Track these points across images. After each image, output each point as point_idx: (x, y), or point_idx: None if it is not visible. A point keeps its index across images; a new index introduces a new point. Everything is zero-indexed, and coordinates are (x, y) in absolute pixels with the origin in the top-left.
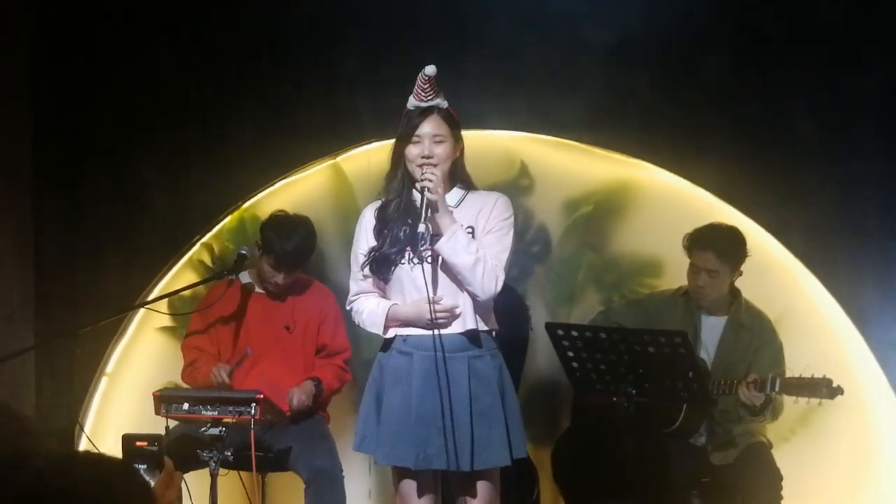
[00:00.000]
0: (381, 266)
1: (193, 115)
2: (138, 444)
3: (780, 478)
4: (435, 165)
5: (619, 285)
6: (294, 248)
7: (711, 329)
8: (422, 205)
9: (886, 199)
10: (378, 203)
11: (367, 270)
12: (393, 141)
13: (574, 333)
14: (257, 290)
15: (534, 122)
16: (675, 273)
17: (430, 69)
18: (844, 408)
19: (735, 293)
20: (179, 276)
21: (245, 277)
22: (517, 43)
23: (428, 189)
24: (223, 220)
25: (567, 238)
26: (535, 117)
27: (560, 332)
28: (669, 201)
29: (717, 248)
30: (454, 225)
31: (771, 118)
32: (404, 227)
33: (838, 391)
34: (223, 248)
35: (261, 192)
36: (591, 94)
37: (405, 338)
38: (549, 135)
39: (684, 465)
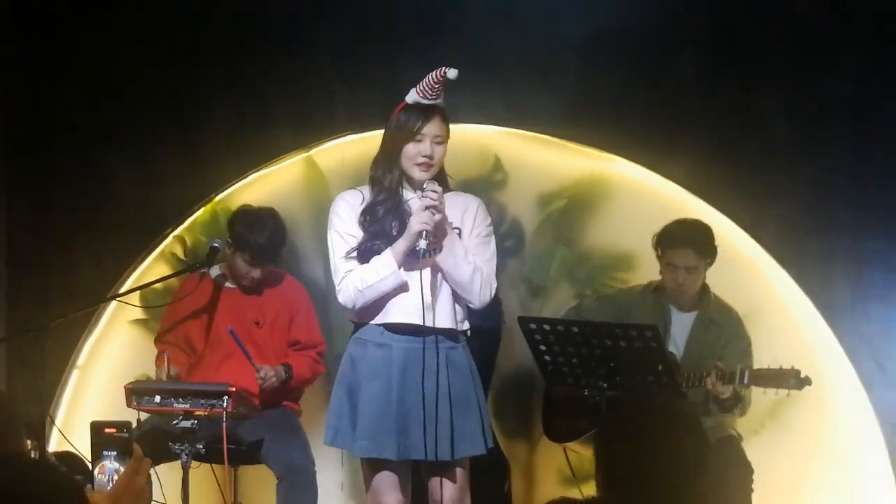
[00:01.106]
0: (369, 259)
1: (166, 107)
2: (107, 430)
3: (751, 471)
4: (431, 166)
5: (592, 279)
6: (268, 240)
7: (681, 324)
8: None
9: (858, 195)
10: (356, 194)
11: (353, 255)
12: (380, 133)
13: (546, 327)
14: (228, 284)
15: (508, 116)
16: (648, 268)
17: (453, 72)
18: (814, 401)
19: (704, 288)
20: (152, 268)
21: (215, 272)
22: (492, 37)
23: (435, 209)
24: (196, 212)
25: (540, 232)
26: (510, 112)
27: (533, 326)
28: (642, 196)
29: (695, 244)
30: (451, 235)
31: (743, 114)
32: (394, 222)
33: (806, 381)
34: (196, 240)
35: (234, 184)
36: (565, 89)
37: (382, 330)
38: (523, 129)
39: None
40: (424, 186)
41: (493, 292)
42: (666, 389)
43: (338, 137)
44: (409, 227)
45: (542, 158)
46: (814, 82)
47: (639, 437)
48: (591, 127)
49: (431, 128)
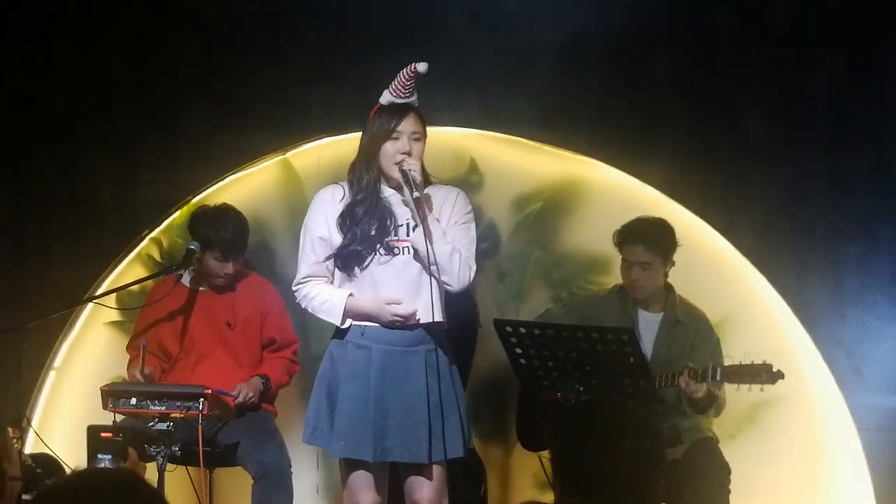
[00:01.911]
0: (351, 262)
1: (142, 109)
2: (103, 435)
3: (728, 471)
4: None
5: (568, 282)
6: (234, 233)
7: (648, 325)
8: (407, 182)
9: (834, 199)
10: (338, 190)
11: (329, 263)
12: (357, 135)
13: (522, 330)
14: (200, 288)
15: (484, 119)
16: None
17: (423, 66)
18: (791, 405)
19: (669, 288)
20: (128, 270)
21: (186, 277)
22: (468, 40)
23: (412, 169)
24: (172, 214)
25: (516, 235)
26: (486, 114)
27: (508, 329)
28: (619, 199)
29: (646, 240)
30: (430, 216)
31: (720, 118)
32: (374, 222)
33: (779, 375)
34: (172, 243)
35: (210, 187)
36: (541, 92)
37: (363, 331)
38: (499, 132)
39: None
40: (403, 165)
41: (472, 275)
42: (642, 393)
43: (314, 140)
44: (381, 312)
45: (519, 161)
46: (790, 87)
47: (592, 439)
48: (567, 130)
49: (407, 125)
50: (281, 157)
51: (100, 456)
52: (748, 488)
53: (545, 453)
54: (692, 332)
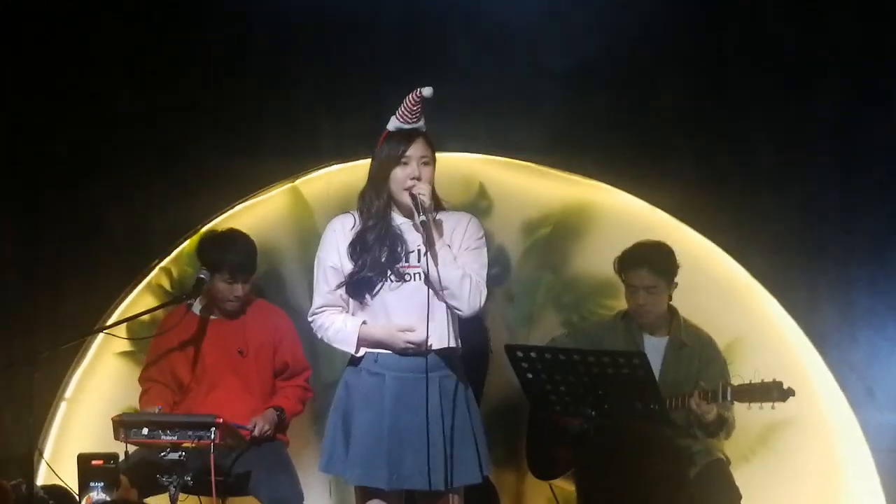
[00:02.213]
0: (362, 289)
1: (152, 139)
2: (94, 463)
3: (739, 496)
4: None
5: (578, 306)
6: (242, 254)
7: (654, 349)
8: (416, 206)
9: (844, 219)
10: (349, 219)
11: (342, 291)
12: (366, 162)
13: (533, 355)
14: (211, 317)
15: (492, 144)
16: None
17: (428, 91)
18: (803, 426)
19: (673, 312)
20: (138, 300)
21: (197, 306)
22: (476, 66)
23: (421, 193)
24: (182, 244)
25: (526, 259)
26: (494, 139)
27: (520, 354)
28: (628, 223)
29: (649, 263)
30: (440, 240)
31: (729, 140)
32: (384, 248)
33: (790, 393)
34: (182, 272)
35: (220, 215)
36: (549, 117)
37: (376, 358)
38: (507, 157)
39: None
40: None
41: (483, 300)
42: (654, 416)
43: (323, 167)
44: (393, 339)
45: (527, 186)
46: (799, 109)
47: (617, 464)
48: (575, 154)
49: (416, 150)
50: (290, 185)
51: (92, 484)
52: None
53: (557, 481)
54: (698, 354)
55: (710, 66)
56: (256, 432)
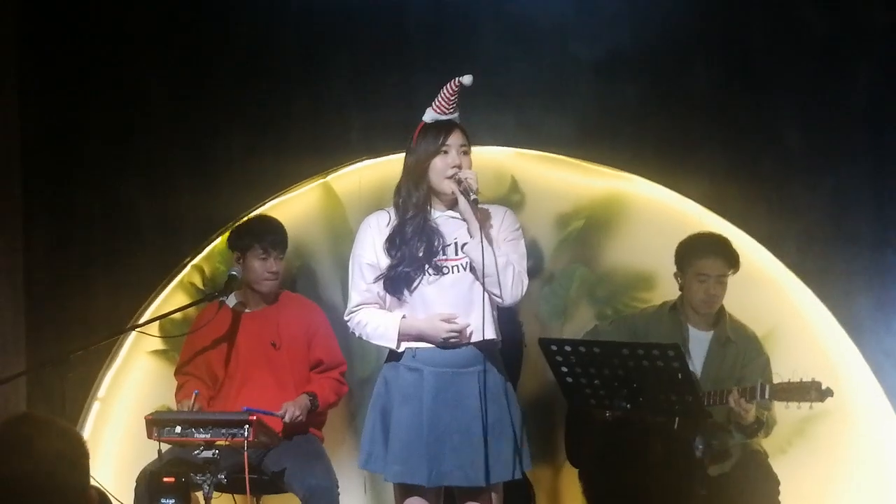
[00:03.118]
0: (400, 284)
1: (181, 136)
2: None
3: (777, 482)
4: None
5: (612, 299)
6: (273, 229)
7: (699, 343)
8: (464, 191)
9: (878, 207)
10: (383, 215)
11: (378, 286)
12: (402, 156)
13: (567, 348)
14: (246, 310)
15: (523, 137)
16: (668, 286)
17: (468, 79)
18: (840, 417)
19: (720, 307)
20: (170, 298)
21: (232, 300)
22: (505, 59)
23: (468, 177)
24: (213, 241)
25: (559, 253)
26: (525, 132)
27: (553, 348)
28: (660, 214)
29: (724, 254)
30: (480, 230)
31: (760, 129)
32: (422, 243)
33: (828, 393)
34: (214, 269)
35: (251, 212)
36: (579, 109)
37: (415, 353)
38: (538, 150)
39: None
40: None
41: (525, 290)
42: (690, 409)
43: (354, 163)
44: (435, 330)
45: (559, 179)
46: (830, 95)
47: (627, 457)
48: (607, 146)
49: (455, 139)
50: (321, 181)
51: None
52: (801, 501)
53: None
54: (742, 350)
55: (740, 55)
56: (287, 418)
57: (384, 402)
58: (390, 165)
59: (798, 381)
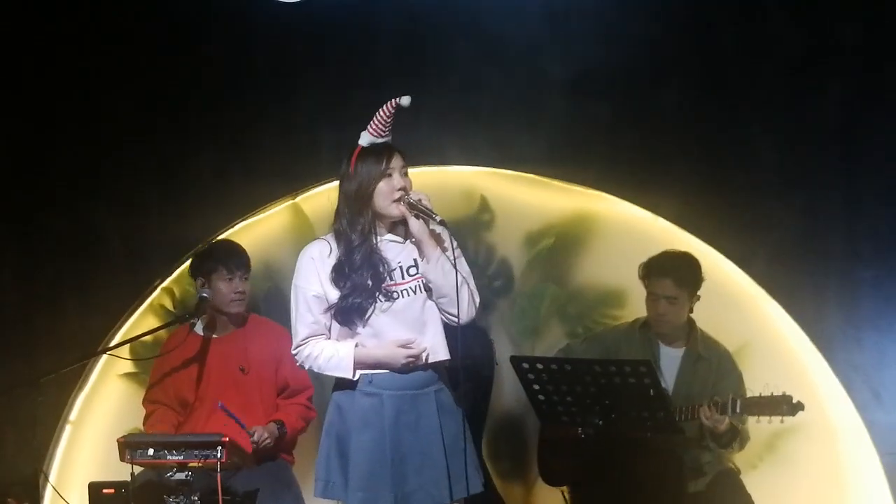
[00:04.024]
0: (352, 314)
1: (150, 158)
2: (105, 491)
3: (752, 502)
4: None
5: (583, 317)
6: (235, 251)
7: (670, 360)
8: (423, 212)
9: (848, 224)
10: (324, 245)
11: (326, 318)
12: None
13: (539, 366)
14: (213, 335)
15: (493, 156)
16: (638, 303)
17: (406, 100)
18: (810, 432)
19: (691, 324)
20: (141, 321)
21: (198, 326)
22: (476, 78)
23: (421, 199)
24: (183, 264)
25: (529, 271)
26: (495, 151)
27: (525, 366)
28: (631, 232)
29: (674, 274)
30: (437, 250)
31: (731, 146)
32: (369, 271)
33: (798, 407)
34: (184, 292)
35: (220, 233)
36: (550, 128)
37: (371, 379)
38: (509, 169)
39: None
40: (410, 198)
41: (476, 309)
42: (661, 425)
43: (324, 183)
44: (394, 357)
45: (529, 197)
46: (801, 112)
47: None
48: (577, 165)
49: (396, 161)
50: (291, 202)
51: None
52: None
53: (567, 487)
54: (714, 367)
55: (710, 72)
56: (256, 437)
57: (339, 429)
58: None
59: (769, 395)
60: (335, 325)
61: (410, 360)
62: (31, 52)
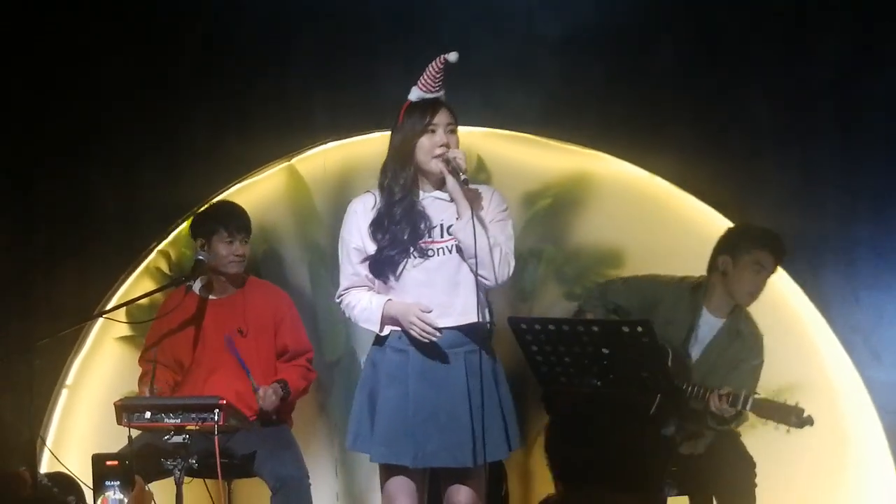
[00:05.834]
0: (385, 269)
1: (145, 120)
2: (108, 463)
3: (753, 464)
4: None
5: (581, 277)
6: (235, 212)
7: (708, 327)
8: (453, 171)
9: (845, 181)
10: (369, 198)
11: (365, 269)
12: (367, 137)
13: (537, 327)
14: (211, 297)
15: (489, 116)
16: (636, 263)
17: (454, 56)
18: (811, 391)
19: None
20: (137, 284)
21: (197, 285)
22: (470, 37)
23: (457, 157)
24: (179, 226)
25: (526, 232)
26: (491, 111)
27: (523, 327)
28: (628, 192)
29: (776, 250)
30: (469, 210)
31: (727, 104)
32: (407, 226)
33: (808, 422)
34: (180, 254)
35: (216, 196)
36: (546, 87)
37: (401, 335)
38: (504, 129)
39: (656, 453)
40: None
41: (511, 271)
42: (660, 386)
43: (319, 145)
44: (405, 318)
45: (526, 157)
46: (796, 69)
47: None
48: (573, 124)
49: (442, 118)
50: (286, 164)
51: (107, 483)
52: (771, 477)
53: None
54: (746, 347)
55: (706, 29)
56: (262, 394)
57: (372, 384)
58: (355, 146)
59: (782, 401)
60: (376, 280)
61: (414, 327)
62: (24, 18)
